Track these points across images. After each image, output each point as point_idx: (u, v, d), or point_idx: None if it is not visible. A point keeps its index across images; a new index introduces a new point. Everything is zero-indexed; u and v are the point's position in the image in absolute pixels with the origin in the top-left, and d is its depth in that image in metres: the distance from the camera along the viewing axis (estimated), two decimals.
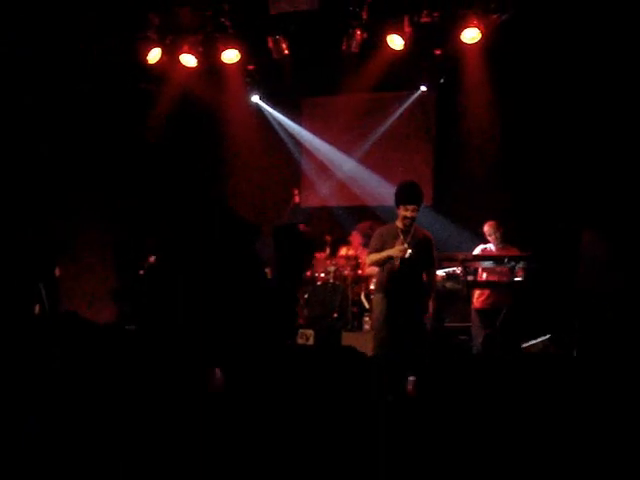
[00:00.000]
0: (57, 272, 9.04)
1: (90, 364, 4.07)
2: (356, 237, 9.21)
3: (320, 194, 10.74)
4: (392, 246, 5.71)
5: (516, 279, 7.25)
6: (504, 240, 7.66)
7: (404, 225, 5.73)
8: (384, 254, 5.74)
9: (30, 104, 8.38)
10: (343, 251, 9.27)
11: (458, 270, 7.57)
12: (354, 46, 8.64)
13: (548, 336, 7.24)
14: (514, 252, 7.46)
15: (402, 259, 5.66)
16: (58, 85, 8.74)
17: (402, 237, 5.73)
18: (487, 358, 7.03)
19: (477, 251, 7.77)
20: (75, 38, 8.43)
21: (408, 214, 5.69)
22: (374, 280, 6.97)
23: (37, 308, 8.22)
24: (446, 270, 7.96)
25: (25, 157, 8.58)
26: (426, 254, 5.80)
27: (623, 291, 6.89)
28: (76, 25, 8.29)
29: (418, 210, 5.75)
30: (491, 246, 7.72)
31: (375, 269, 6.76)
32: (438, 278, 7.92)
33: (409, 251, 5.65)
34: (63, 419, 3.51)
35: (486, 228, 7.75)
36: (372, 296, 7.00)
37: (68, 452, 3.29)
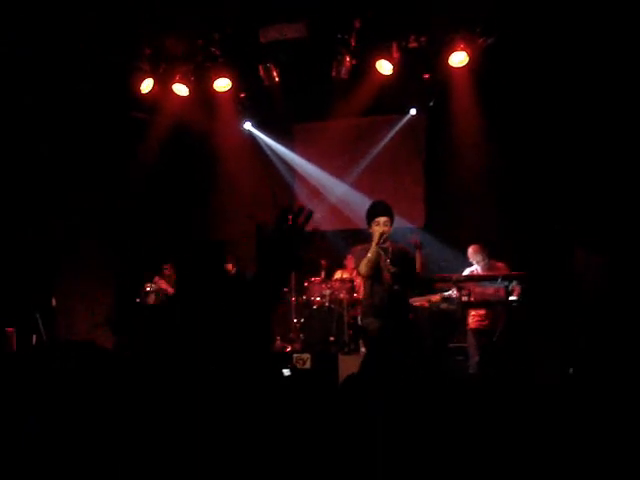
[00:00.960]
0: (53, 302, 9.06)
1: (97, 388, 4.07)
2: (351, 260, 9.25)
3: (313, 218, 10.74)
4: (378, 264, 5.82)
5: (510, 298, 7.30)
6: (488, 259, 7.73)
7: (380, 240, 5.78)
8: (369, 253, 5.79)
9: (29, 107, 8.43)
10: (338, 274, 9.32)
11: (454, 293, 7.63)
12: (344, 72, 8.75)
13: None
14: (503, 270, 7.52)
15: (392, 273, 5.75)
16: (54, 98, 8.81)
17: (382, 254, 5.81)
18: (483, 378, 7.05)
19: (466, 273, 7.82)
20: (76, 44, 8.45)
21: (381, 227, 5.77)
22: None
23: (34, 338, 8.23)
24: (442, 293, 8.01)
25: (19, 175, 8.64)
26: (409, 266, 5.92)
27: (619, 305, 6.95)
28: (75, 35, 8.33)
29: (391, 224, 5.84)
30: (478, 268, 7.78)
31: None
32: (433, 300, 8.00)
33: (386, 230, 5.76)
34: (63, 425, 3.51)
35: (470, 252, 7.83)
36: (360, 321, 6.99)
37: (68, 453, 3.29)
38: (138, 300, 9.13)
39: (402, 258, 5.87)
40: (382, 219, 5.80)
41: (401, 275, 5.80)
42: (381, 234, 5.72)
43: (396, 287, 5.79)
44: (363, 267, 5.84)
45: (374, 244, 5.76)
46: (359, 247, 6.05)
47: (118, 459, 3.39)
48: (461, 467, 3.73)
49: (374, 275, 5.85)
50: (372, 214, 5.90)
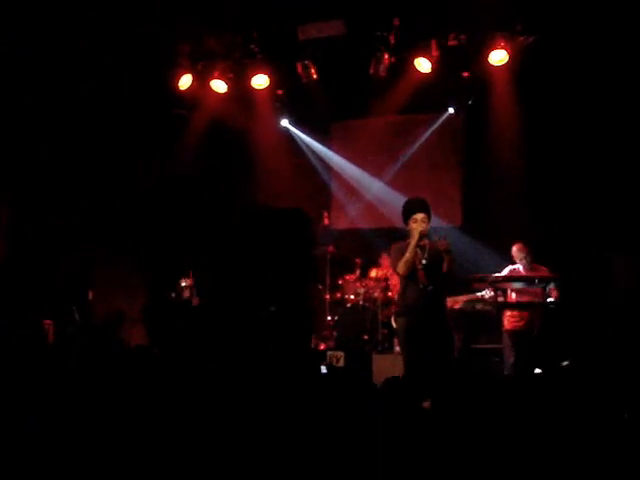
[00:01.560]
0: (90, 295, 9.19)
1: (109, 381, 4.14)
2: (387, 259, 9.23)
3: (349, 216, 10.78)
4: (414, 262, 5.70)
5: (548, 300, 7.21)
6: (533, 260, 7.62)
7: (419, 238, 5.64)
8: (407, 253, 5.69)
9: (30, 107, 8.56)
10: (373, 273, 9.29)
11: (487, 294, 7.56)
12: (382, 70, 8.73)
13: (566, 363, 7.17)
14: (544, 273, 7.43)
15: (424, 265, 5.64)
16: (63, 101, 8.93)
17: (419, 252, 5.71)
18: (519, 380, 6.98)
19: (506, 272, 7.72)
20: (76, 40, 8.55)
21: (419, 224, 5.64)
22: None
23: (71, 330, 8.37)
24: (477, 293, 7.94)
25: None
26: (447, 264, 5.70)
27: None
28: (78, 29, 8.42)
29: (429, 221, 5.73)
30: (519, 267, 7.69)
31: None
32: (469, 300, 7.94)
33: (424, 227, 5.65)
34: (66, 421, 3.57)
35: (514, 250, 7.71)
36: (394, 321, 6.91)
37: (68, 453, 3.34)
38: (174, 295, 9.20)
39: (440, 257, 5.69)
40: (420, 216, 5.68)
41: (437, 275, 5.69)
42: (420, 232, 5.64)
43: (430, 287, 5.68)
44: (401, 266, 5.72)
45: (413, 243, 5.63)
46: (396, 245, 5.94)
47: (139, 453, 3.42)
48: (488, 467, 3.70)
49: (410, 274, 5.76)
50: (409, 211, 5.78)
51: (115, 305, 9.57)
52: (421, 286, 5.70)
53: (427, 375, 5.45)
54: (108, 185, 9.59)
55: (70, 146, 9.21)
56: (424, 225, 5.67)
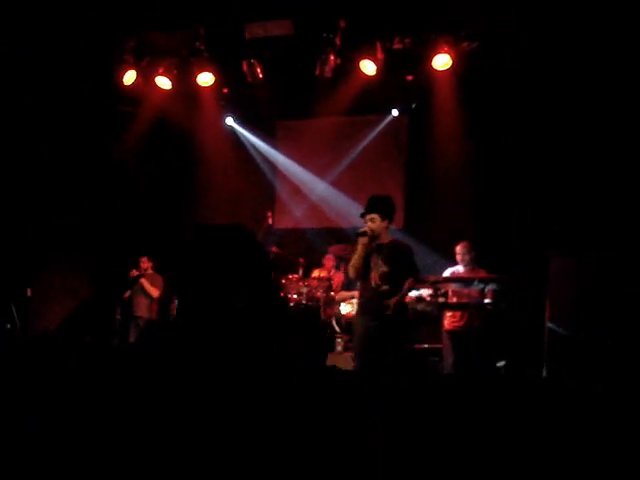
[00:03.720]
0: (28, 292, 9.04)
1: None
2: (329, 260, 9.28)
3: (293, 216, 10.81)
4: (369, 262, 5.70)
5: (486, 301, 7.36)
6: (473, 262, 7.75)
7: (364, 243, 5.65)
8: (353, 258, 5.72)
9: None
10: (316, 273, 9.33)
11: (426, 294, 7.64)
12: (327, 71, 8.76)
13: (503, 362, 7.34)
14: (482, 274, 7.57)
15: (381, 275, 5.64)
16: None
17: (377, 255, 5.72)
18: (458, 380, 7.09)
19: (447, 273, 7.84)
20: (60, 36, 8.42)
21: (367, 226, 5.64)
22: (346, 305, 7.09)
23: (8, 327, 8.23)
24: (417, 293, 8.03)
25: None
26: (404, 262, 5.75)
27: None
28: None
29: (383, 219, 5.68)
30: (459, 268, 7.80)
31: (345, 295, 6.78)
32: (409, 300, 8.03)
33: (365, 229, 5.63)
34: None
35: (458, 248, 7.80)
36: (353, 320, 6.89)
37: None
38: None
39: (397, 255, 5.71)
40: (367, 217, 5.68)
41: (393, 275, 5.69)
42: (364, 233, 5.62)
43: (385, 287, 5.68)
44: (350, 270, 5.78)
45: (358, 247, 5.66)
46: (339, 247, 5.97)
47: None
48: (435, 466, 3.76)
49: (365, 274, 5.76)
50: (363, 213, 5.76)
51: (56, 304, 9.44)
52: (374, 285, 5.71)
53: (378, 374, 5.48)
54: (50, 182, 9.43)
55: (9, 142, 9.02)
56: (373, 225, 5.65)
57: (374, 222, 5.66)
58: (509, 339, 7.49)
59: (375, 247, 5.70)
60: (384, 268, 5.62)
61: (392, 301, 5.67)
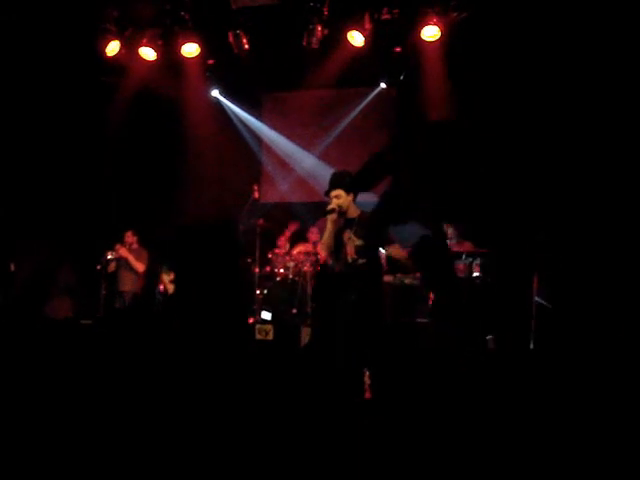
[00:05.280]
0: (12, 267, 8.96)
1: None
2: (313, 233, 9.23)
3: (280, 190, 10.74)
4: (342, 238, 5.64)
5: (474, 274, 7.34)
6: (458, 237, 7.73)
7: (334, 220, 5.55)
8: (324, 237, 5.67)
9: None
10: (301, 248, 9.26)
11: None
12: (315, 42, 8.64)
13: (490, 336, 7.34)
14: (469, 247, 7.55)
15: (356, 248, 5.56)
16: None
17: (349, 230, 5.65)
18: (447, 353, 7.11)
19: None
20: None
21: (332, 203, 5.54)
22: None
23: None
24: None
25: None
26: (377, 233, 5.62)
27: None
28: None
29: (348, 193, 5.56)
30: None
31: None
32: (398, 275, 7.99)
33: (332, 205, 5.53)
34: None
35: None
36: None
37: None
38: (99, 267, 9.04)
39: (369, 227, 5.58)
40: (332, 193, 5.58)
41: (367, 246, 5.60)
42: (332, 210, 5.51)
43: (361, 260, 5.60)
44: (322, 248, 5.74)
45: (327, 226, 5.56)
46: (323, 221, 5.86)
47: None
48: (425, 439, 3.75)
49: (337, 249, 5.71)
50: (327, 191, 5.65)
51: (39, 277, 9.36)
52: (350, 260, 5.66)
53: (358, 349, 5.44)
54: (33, 158, 9.31)
55: None
56: (339, 201, 5.55)
57: (339, 198, 5.57)
58: (497, 313, 7.49)
59: (345, 222, 5.65)
60: (358, 242, 5.56)
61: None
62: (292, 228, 9.41)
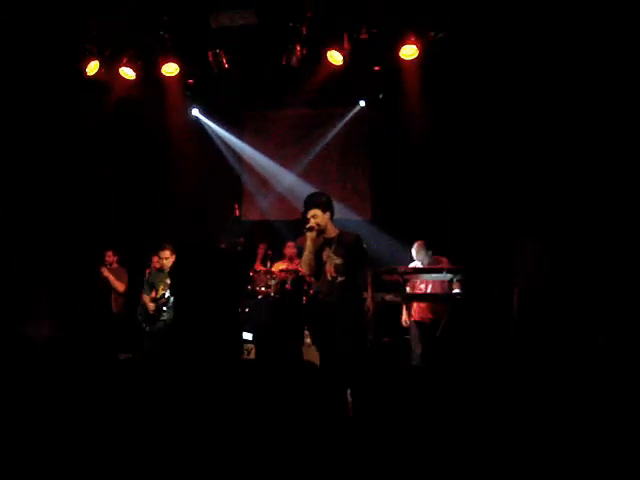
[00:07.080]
0: None
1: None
2: (289, 247, 9.20)
3: (260, 208, 10.76)
4: (321, 256, 5.65)
5: (454, 291, 7.36)
6: (433, 254, 7.75)
7: (312, 239, 5.57)
8: (304, 255, 5.67)
9: None
10: (281, 265, 9.22)
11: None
12: (294, 61, 8.67)
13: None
14: (444, 263, 7.57)
15: (336, 267, 5.58)
16: None
17: (328, 248, 5.66)
18: (426, 370, 7.12)
19: (412, 266, 7.85)
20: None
21: (311, 222, 5.56)
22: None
23: None
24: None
25: None
26: (356, 251, 5.63)
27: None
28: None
29: (325, 212, 5.58)
30: (418, 264, 7.77)
31: None
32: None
33: (311, 224, 5.53)
34: None
35: (414, 249, 7.79)
36: None
37: None
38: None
39: (349, 246, 5.60)
40: (309, 214, 5.58)
41: (347, 265, 5.60)
42: (311, 230, 5.52)
43: (340, 279, 5.59)
44: (303, 267, 5.76)
45: (307, 244, 5.57)
46: (304, 238, 5.85)
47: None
48: (405, 456, 3.75)
49: (318, 268, 5.71)
50: (303, 212, 5.66)
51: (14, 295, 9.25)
52: (330, 278, 5.66)
53: (340, 368, 5.43)
54: (11, 170, 9.25)
55: None
56: (317, 220, 5.56)
57: (316, 217, 5.59)
58: (477, 329, 7.53)
59: (324, 241, 5.67)
60: (337, 260, 5.57)
61: (369, 304, 5.87)
62: (261, 250, 9.37)
